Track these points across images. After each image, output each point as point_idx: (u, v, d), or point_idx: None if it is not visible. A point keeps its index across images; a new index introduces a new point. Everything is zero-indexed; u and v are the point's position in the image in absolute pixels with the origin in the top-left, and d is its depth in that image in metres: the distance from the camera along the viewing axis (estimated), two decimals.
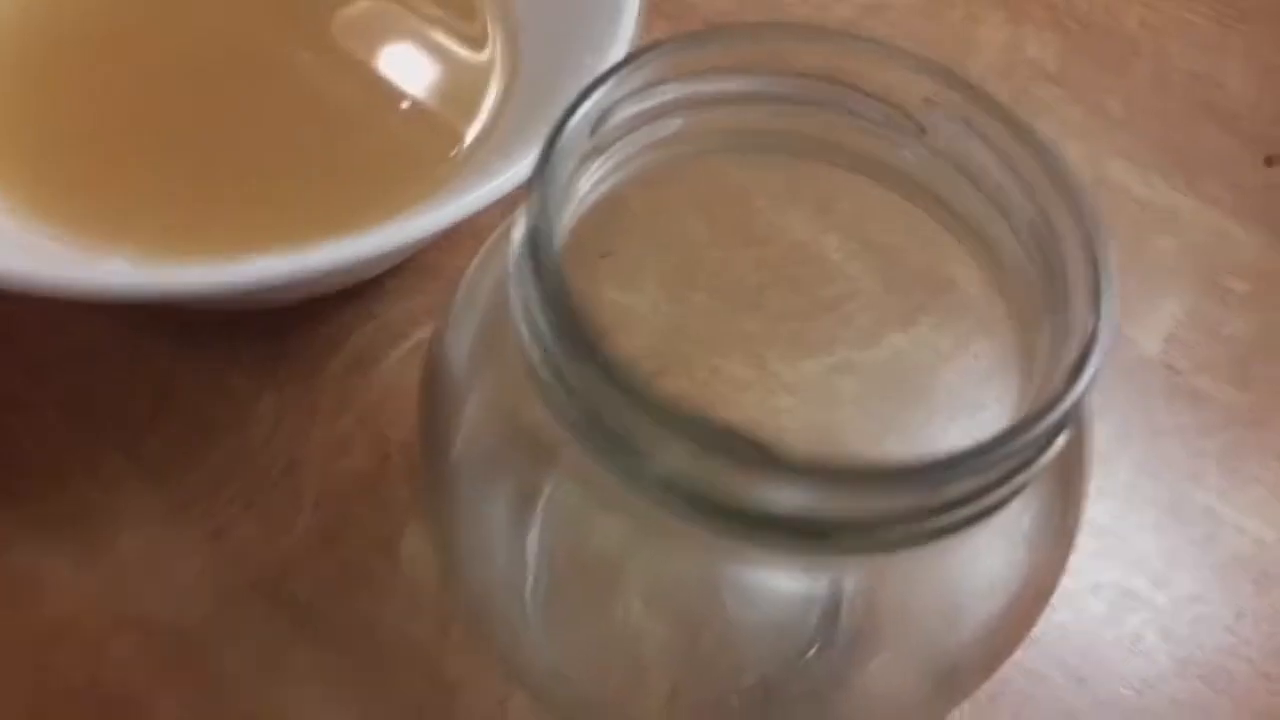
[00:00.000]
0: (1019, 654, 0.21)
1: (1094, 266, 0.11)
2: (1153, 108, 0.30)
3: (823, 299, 0.19)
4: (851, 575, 0.19)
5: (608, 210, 0.14)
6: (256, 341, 0.23)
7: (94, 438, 0.22)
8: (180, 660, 0.19)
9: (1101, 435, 0.24)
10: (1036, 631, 0.20)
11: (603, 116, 0.12)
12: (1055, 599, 0.20)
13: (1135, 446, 0.24)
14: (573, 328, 0.11)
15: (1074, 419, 0.12)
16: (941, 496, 0.11)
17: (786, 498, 0.11)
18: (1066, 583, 0.22)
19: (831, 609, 0.19)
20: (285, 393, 0.22)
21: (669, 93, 0.13)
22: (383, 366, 0.23)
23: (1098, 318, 0.11)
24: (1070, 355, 0.11)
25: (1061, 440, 0.12)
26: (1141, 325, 0.26)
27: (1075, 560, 0.22)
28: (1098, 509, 0.23)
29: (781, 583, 0.19)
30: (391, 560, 0.21)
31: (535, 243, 0.11)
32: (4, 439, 0.22)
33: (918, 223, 0.14)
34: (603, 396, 0.11)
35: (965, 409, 0.18)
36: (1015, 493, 0.12)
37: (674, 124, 0.13)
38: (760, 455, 0.10)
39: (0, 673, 0.19)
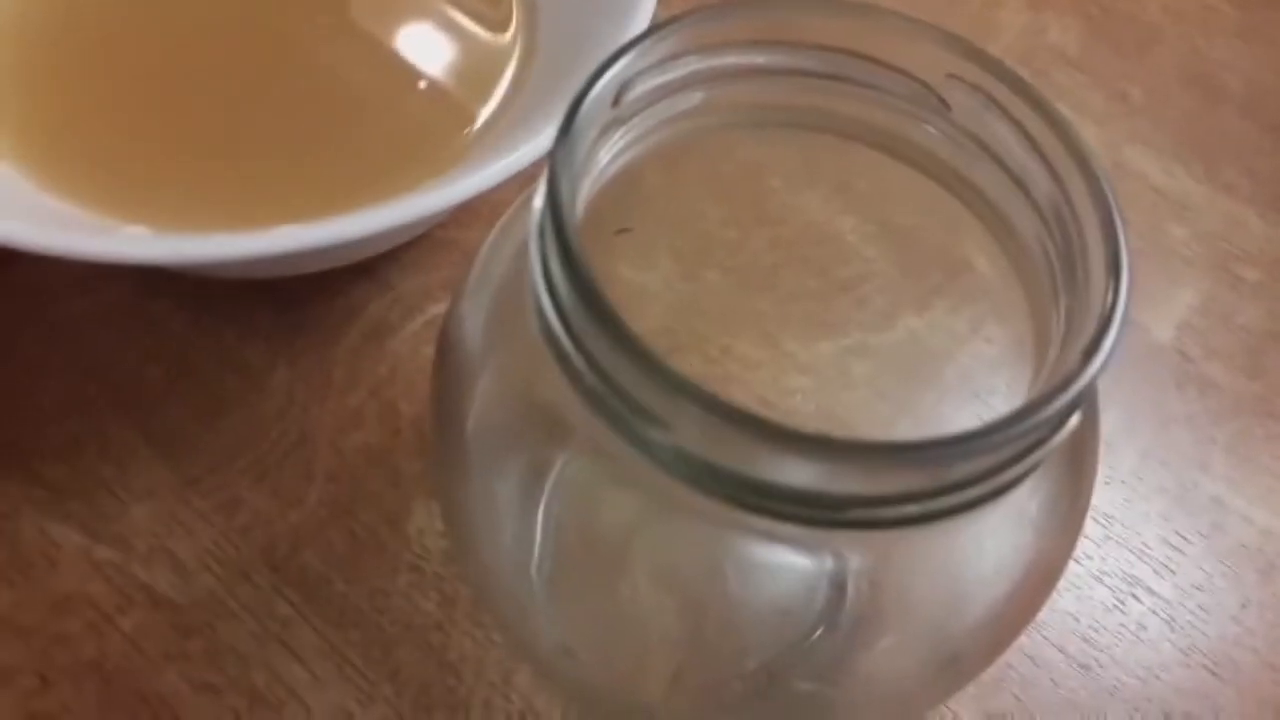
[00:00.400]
0: (1023, 639, 0.21)
1: (1113, 243, 0.11)
2: (1173, 95, 0.29)
3: (838, 280, 0.19)
4: (857, 557, 0.19)
5: (625, 185, 0.14)
6: (273, 313, 0.23)
7: (108, 409, 0.22)
8: (188, 633, 0.19)
9: (1110, 423, 0.24)
10: (1041, 617, 0.20)
11: (624, 87, 0.12)
12: (1060, 585, 0.20)
13: (1144, 434, 0.24)
14: (591, 292, 0.11)
15: (1087, 400, 0.12)
16: (954, 474, 0.11)
17: (799, 470, 0.11)
18: (1072, 569, 0.22)
19: (836, 593, 0.19)
20: (299, 366, 0.23)
21: (690, 65, 0.13)
22: (396, 340, 0.23)
23: (1115, 294, 0.11)
24: (1087, 334, 0.11)
25: (1074, 421, 0.12)
26: (1155, 312, 0.26)
27: (1081, 547, 0.22)
28: (1105, 496, 0.23)
29: (786, 567, 0.19)
30: (400, 535, 0.21)
31: (557, 205, 0.11)
32: (20, 405, 0.22)
33: (936, 202, 0.14)
34: (620, 364, 0.11)
35: (977, 395, 0.18)
36: (1027, 472, 0.12)
37: (695, 97, 0.13)
38: (774, 427, 0.10)
39: (10, 644, 0.19)
